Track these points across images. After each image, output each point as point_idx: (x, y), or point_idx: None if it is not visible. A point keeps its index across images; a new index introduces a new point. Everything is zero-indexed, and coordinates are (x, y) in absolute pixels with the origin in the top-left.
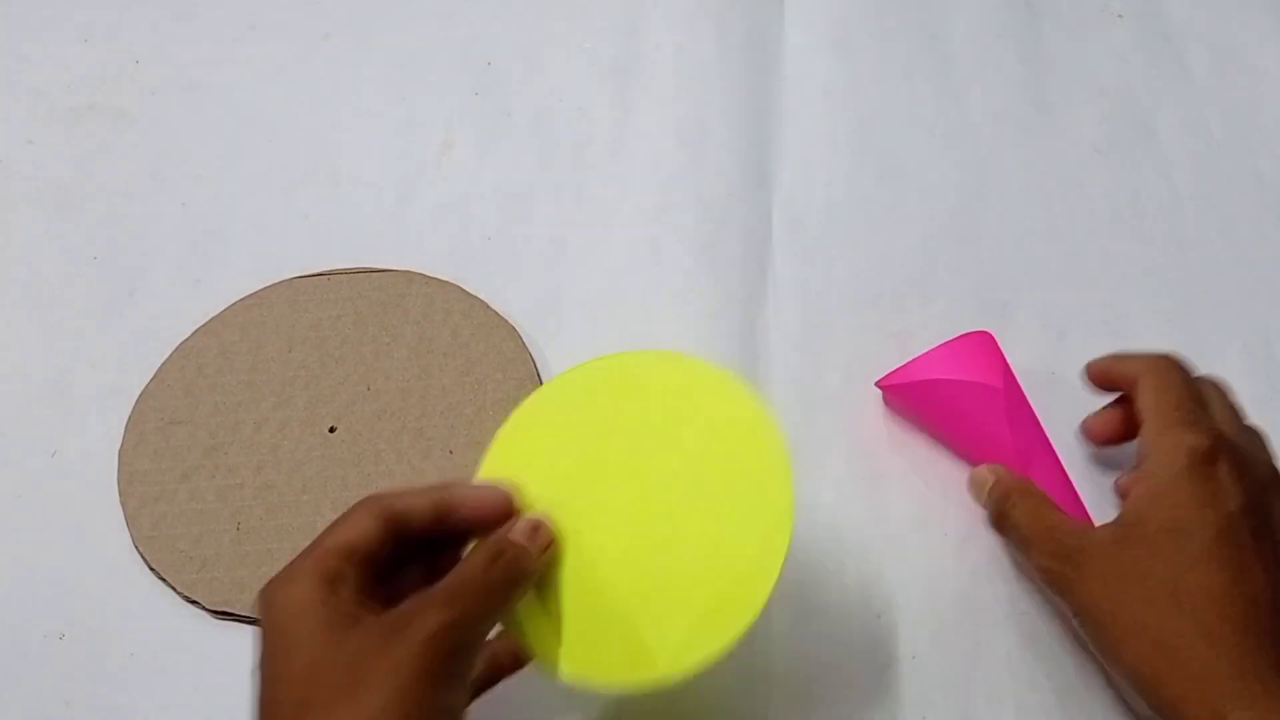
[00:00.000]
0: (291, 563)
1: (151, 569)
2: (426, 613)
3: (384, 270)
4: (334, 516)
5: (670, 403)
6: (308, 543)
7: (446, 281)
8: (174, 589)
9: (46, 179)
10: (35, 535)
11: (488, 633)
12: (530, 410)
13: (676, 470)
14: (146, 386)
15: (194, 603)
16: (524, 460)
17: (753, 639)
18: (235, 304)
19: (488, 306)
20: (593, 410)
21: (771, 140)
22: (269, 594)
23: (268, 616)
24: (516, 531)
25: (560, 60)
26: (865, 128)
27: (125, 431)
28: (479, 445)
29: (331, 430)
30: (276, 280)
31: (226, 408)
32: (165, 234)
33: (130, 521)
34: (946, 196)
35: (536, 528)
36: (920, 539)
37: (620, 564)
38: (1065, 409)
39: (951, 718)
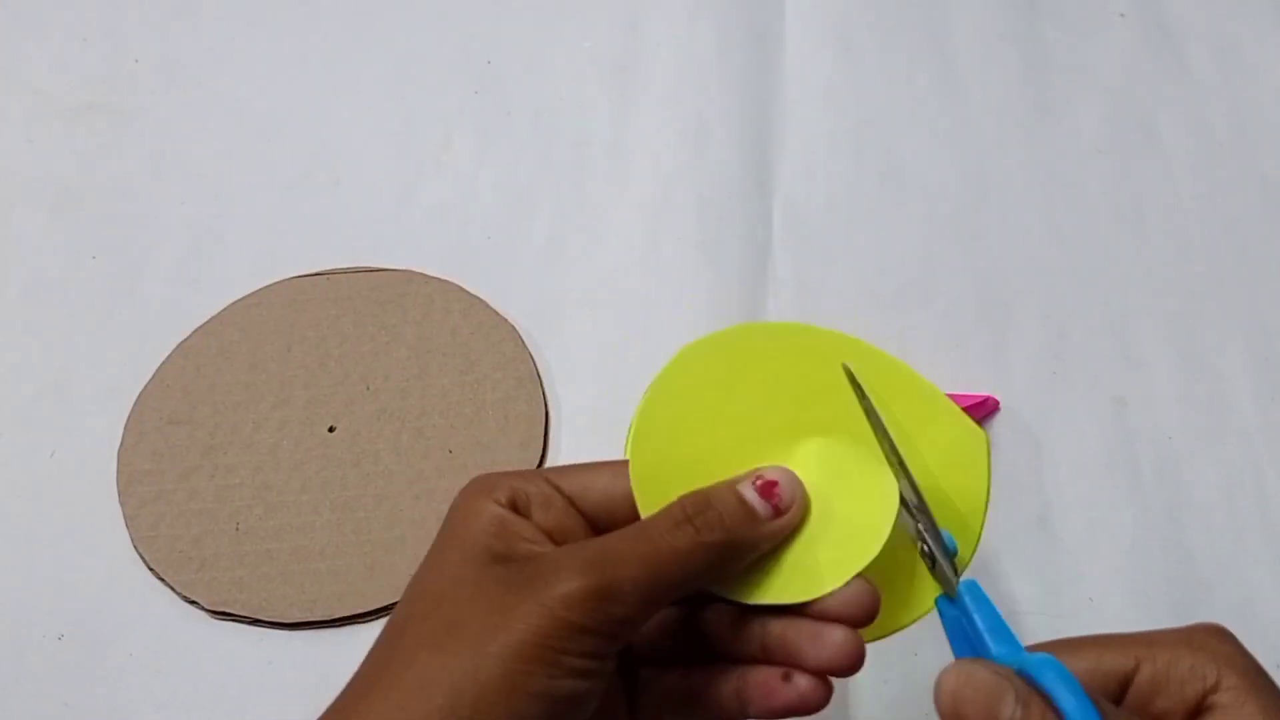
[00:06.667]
0: (510, 473)
1: (150, 569)
2: (561, 573)
3: (383, 269)
4: (333, 517)
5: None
6: (307, 543)
7: (446, 281)
8: (173, 589)
9: (46, 178)
10: (34, 535)
11: (654, 611)
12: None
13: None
14: (145, 386)
15: (193, 603)
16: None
17: None
18: (234, 304)
19: (487, 306)
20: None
21: (772, 139)
22: (459, 496)
23: (445, 521)
24: (744, 484)
25: (560, 60)
26: (866, 127)
27: (124, 431)
28: (479, 445)
29: (331, 430)
30: (276, 280)
31: (225, 407)
32: (164, 233)
33: (129, 521)
34: (947, 196)
35: (773, 485)
36: None
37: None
38: (1065, 408)
39: None
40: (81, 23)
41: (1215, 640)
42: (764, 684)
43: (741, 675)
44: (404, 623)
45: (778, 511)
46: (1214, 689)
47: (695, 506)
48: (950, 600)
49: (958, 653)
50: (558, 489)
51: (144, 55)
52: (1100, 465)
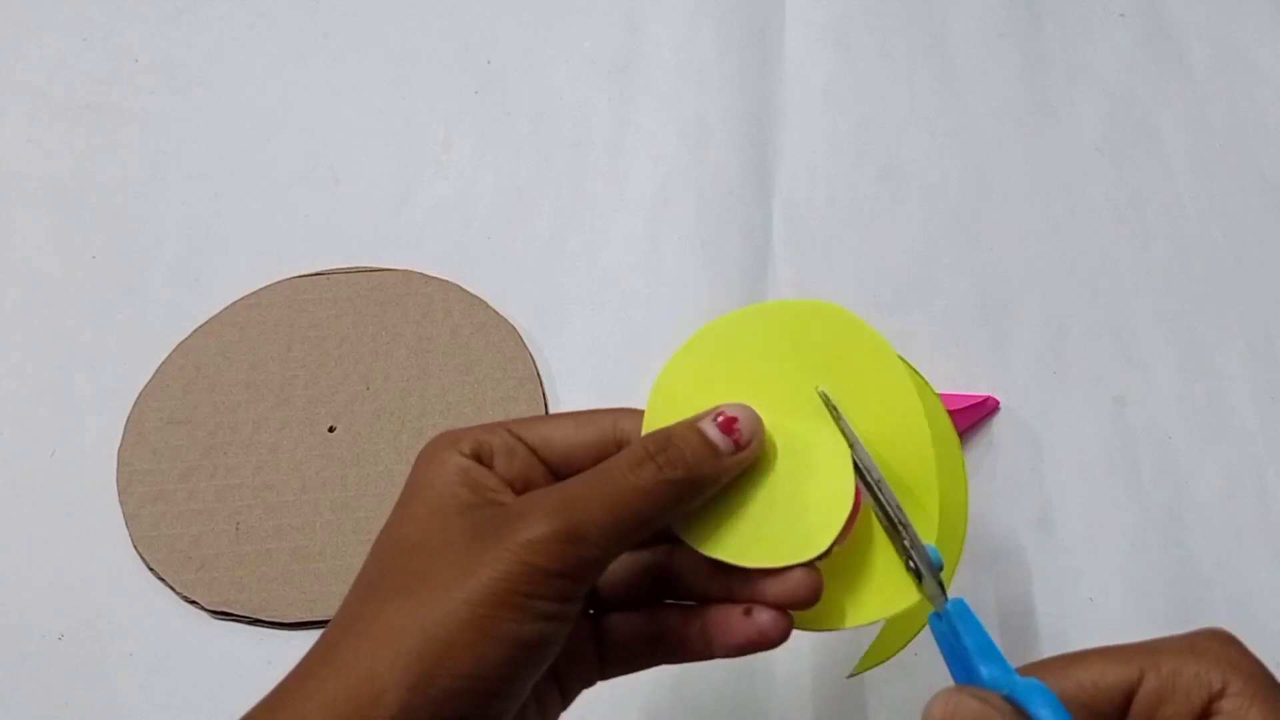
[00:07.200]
0: (473, 427)
1: (150, 569)
2: (527, 518)
3: (383, 269)
4: (333, 517)
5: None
6: (307, 543)
7: (446, 280)
8: (173, 589)
9: (46, 179)
10: (34, 535)
11: (619, 551)
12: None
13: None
14: (145, 386)
15: (193, 602)
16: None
17: None
18: (234, 303)
19: (487, 305)
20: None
21: (771, 139)
22: (424, 450)
23: (410, 474)
24: (705, 421)
25: (560, 59)
26: (865, 127)
27: (124, 431)
28: None
29: (331, 430)
30: (275, 280)
31: (225, 407)
32: (164, 233)
33: (129, 521)
34: (947, 196)
35: (733, 420)
36: None
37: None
38: (1065, 408)
39: None
40: (81, 23)
41: (1219, 645)
42: (726, 620)
43: (705, 614)
44: (374, 576)
45: (738, 446)
46: (1220, 695)
47: (657, 444)
48: (940, 617)
49: (951, 667)
50: (520, 439)
51: (144, 55)
52: (1100, 465)
